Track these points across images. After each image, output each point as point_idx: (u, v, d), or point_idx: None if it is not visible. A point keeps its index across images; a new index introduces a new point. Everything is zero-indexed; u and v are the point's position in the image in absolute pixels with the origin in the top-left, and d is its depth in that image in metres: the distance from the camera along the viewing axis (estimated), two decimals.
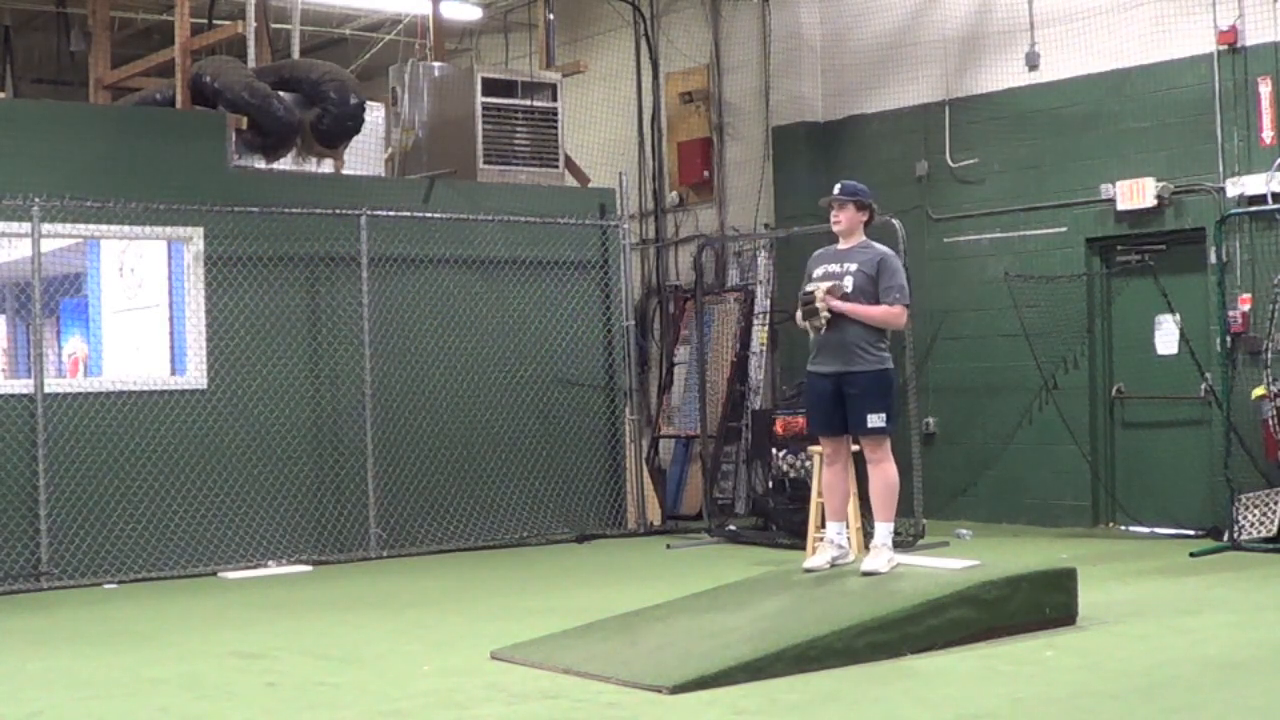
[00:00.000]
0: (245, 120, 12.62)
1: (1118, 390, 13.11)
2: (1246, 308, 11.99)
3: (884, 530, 8.87)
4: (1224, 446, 11.82)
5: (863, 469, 9.31)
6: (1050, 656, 7.72)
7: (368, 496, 12.52)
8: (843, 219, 9.08)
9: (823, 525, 9.61)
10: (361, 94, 13.37)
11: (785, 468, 12.77)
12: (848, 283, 8.93)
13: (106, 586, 11.26)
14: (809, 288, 8.98)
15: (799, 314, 9.02)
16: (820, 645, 7.45)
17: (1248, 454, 11.81)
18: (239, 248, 12.23)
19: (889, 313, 8.90)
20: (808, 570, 8.92)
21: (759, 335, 15.30)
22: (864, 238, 9.14)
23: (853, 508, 11.26)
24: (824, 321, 8.83)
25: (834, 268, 9.02)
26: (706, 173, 16.12)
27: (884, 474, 8.90)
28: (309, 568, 12.09)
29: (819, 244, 9.53)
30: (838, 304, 8.83)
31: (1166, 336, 12.70)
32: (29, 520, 11.21)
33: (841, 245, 9.13)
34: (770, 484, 13.17)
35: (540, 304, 13.75)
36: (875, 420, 8.86)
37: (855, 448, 9.27)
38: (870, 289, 8.91)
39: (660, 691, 6.98)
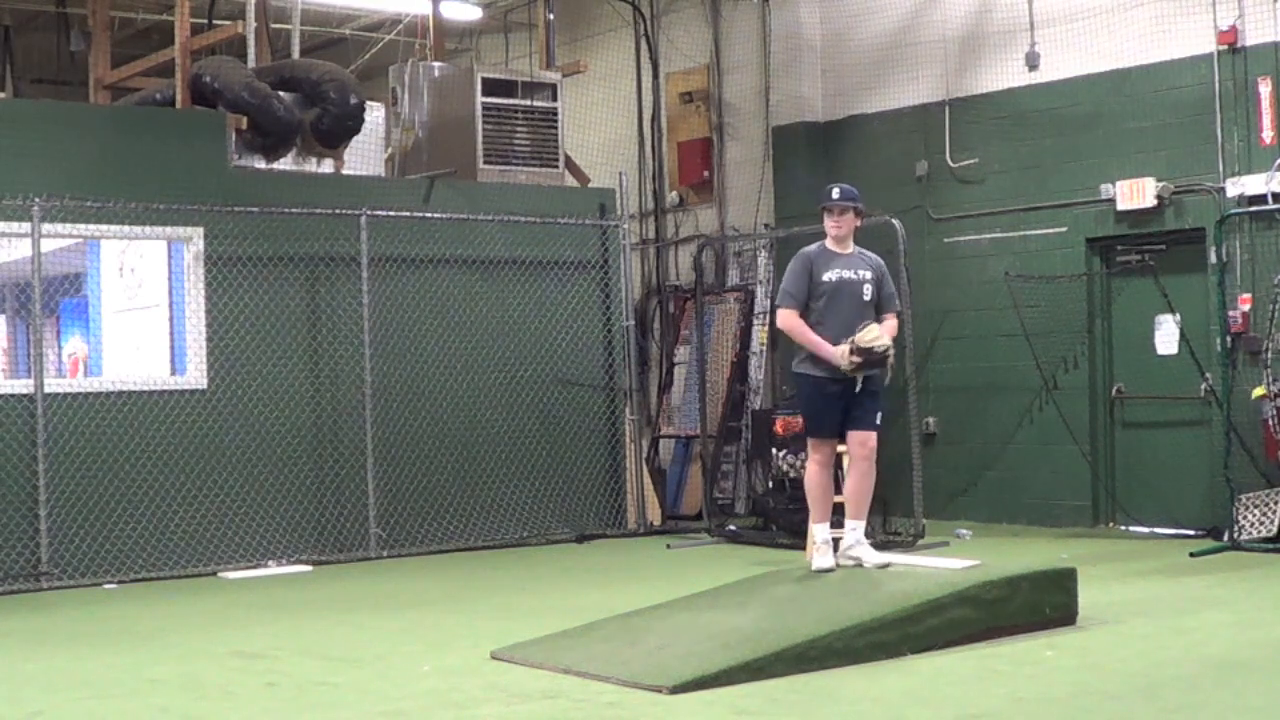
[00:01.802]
0: (245, 120, 12.62)
1: (1118, 390, 13.10)
2: (1246, 308, 11.99)
3: (862, 526, 8.98)
4: (1224, 446, 11.82)
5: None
6: (1050, 656, 7.72)
7: (368, 496, 12.51)
8: (844, 225, 9.10)
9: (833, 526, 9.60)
10: (361, 94, 13.36)
11: (785, 468, 12.77)
12: (867, 291, 9.08)
13: (106, 586, 11.26)
14: (867, 340, 8.80)
15: (852, 361, 8.80)
16: (820, 645, 7.45)
17: (1248, 454, 11.81)
18: (239, 248, 12.23)
19: (896, 325, 9.24)
20: (820, 570, 8.92)
21: (759, 335, 15.30)
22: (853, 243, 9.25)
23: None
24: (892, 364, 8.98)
25: (849, 274, 9.06)
26: (706, 173, 16.12)
27: (872, 472, 9.04)
28: (309, 568, 12.09)
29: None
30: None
31: (1166, 336, 12.70)
32: (29, 520, 11.21)
33: (838, 249, 9.14)
34: (770, 484, 13.17)
35: (540, 304, 13.74)
36: (879, 417, 9.14)
37: (840, 447, 9.33)
38: (877, 297, 9.13)
39: (660, 691, 6.98)
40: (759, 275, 15.42)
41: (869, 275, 9.06)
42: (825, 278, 9.01)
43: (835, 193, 9.11)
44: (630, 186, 15.14)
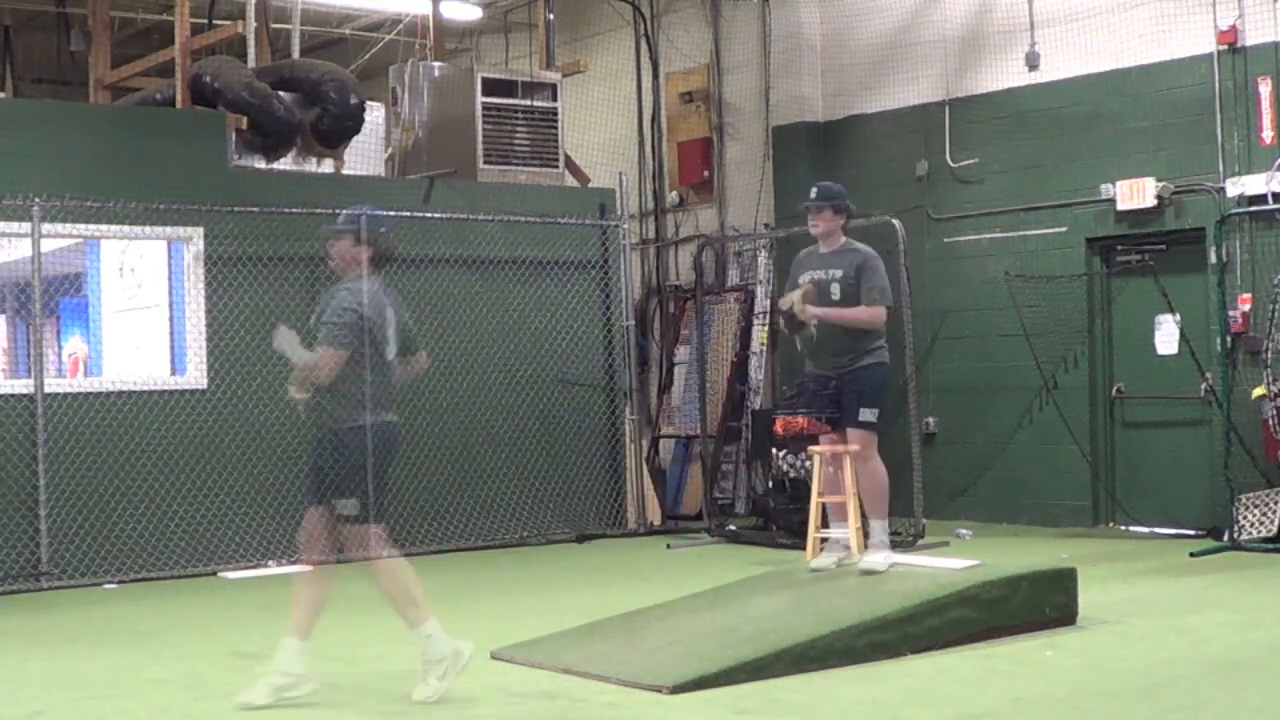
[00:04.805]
0: (245, 120, 12.62)
1: (1118, 390, 13.10)
2: (1246, 308, 11.99)
3: (879, 528, 8.96)
4: (1224, 446, 11.82)
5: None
6: (1050, 656, 7.72)
7: (367, 496, 12.47)
8: (820, 224, 9.25)
9: (823, 525, 9.62)
10: (361, 94, 13.36)
11: (785, 468, 12.77)
12: (834, 290, 9.08)
13: (106, 586, 11.26)
14: (782, 302, 9.11)
15: (782, 325, 9.16)
16: (820, 645, 7.46)
17: (1248, 454, 11.81)
18: (239, 248, 12.23)
19: (870, 314, 9.09)
20: (813, 570, 8.97)
21: (759, 335, 15.29)
22: (844, 239, 9.27)
23: (853, 506, 11.29)
24: (813, 330, 8.96)
25: (819, 274, 9.19)
26: (706, 173, 16.11)
27: (872, 472, 9.07)
28: (309, 568, 12.05)
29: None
30: (815, 311, 8.92)
31: (1166, 336, 12.70)
32: (29, 520, 11.21)
33: (823, 249, 9.24)
34: (770, 484, 13.17)
35: (540, 304, 13.74)
36: (867, 415, 9.12)
37: (854, 447, 9.31)
38: (854, 292, 9.10)
39: (660, 691, 6.98)
40: (759, 275, 15.42)
41: (839, 274, 9.11)
42: (801, 280, 9.20)
43: (813, 192, 9.32)
44: (630, 186, 15.14)
